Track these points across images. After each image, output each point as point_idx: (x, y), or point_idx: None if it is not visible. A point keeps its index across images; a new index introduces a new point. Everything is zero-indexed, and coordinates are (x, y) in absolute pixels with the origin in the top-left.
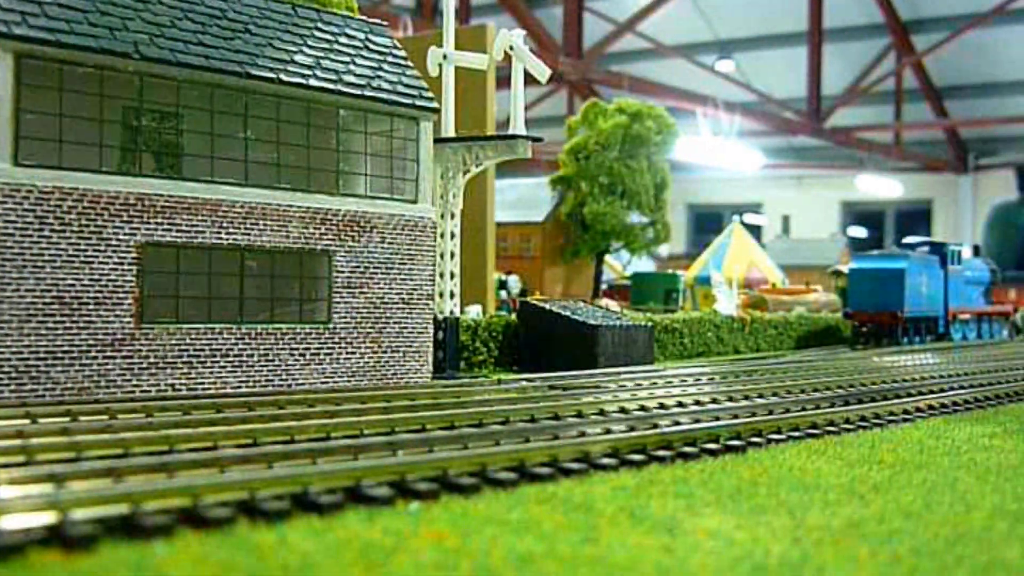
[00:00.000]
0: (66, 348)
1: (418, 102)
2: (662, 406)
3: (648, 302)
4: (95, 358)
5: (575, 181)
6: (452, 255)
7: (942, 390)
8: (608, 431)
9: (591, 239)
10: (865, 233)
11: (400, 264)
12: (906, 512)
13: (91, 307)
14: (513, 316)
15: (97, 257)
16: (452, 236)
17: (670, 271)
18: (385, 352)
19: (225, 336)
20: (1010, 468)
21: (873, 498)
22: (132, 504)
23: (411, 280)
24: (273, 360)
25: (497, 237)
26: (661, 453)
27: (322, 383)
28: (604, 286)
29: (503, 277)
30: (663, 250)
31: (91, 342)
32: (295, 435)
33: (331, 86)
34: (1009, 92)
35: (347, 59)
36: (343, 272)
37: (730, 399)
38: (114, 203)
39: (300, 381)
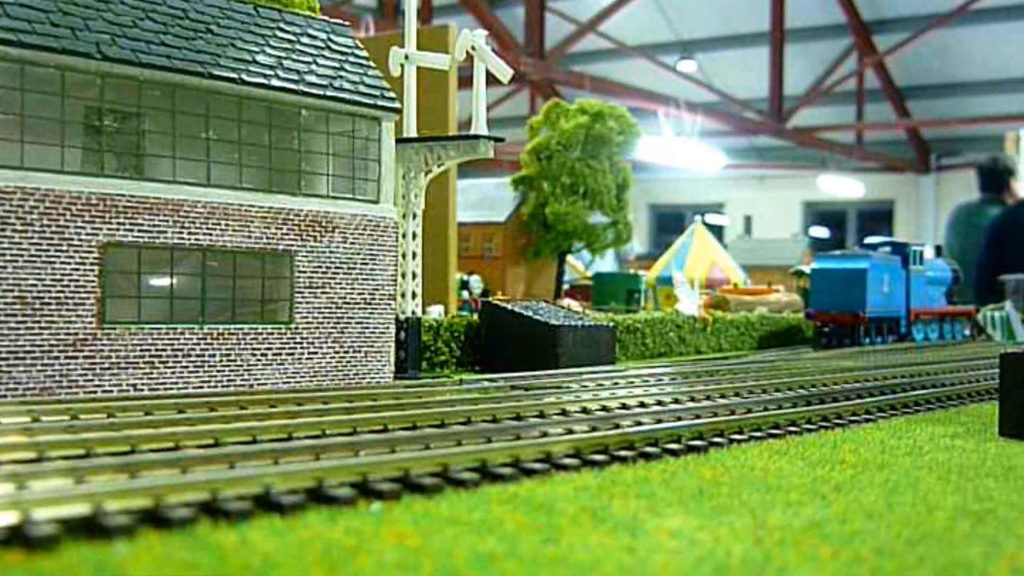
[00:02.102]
0: (28, 348)
1: (380, 102)
2: (624, 406)
3: (610, 302)
4: (57, 358)
5: (537, 181)
6: (414, 255)
7: (904, 390)
8: (570, 431)
9: (553, 239)
10: (827, 233)
11: (362, 264)
12: (868, 512)
13: (53, 307)
14: (475, 316)
15: (59, 257)
16: (414, 236)
17: (632, 271)
18: (347, 352)
19: (187, 336)
20: (971, 468)
21: (835, 498)
22: (94, 504)
23: (373, 280)
24: (235, 360)
25: (459, 237)
26: (623, 453)
27: (284, 383)
28: (566, 286)
29: (465, 277)
30: (634, 248)
31: (53, 342)
32: (257, 435)
33: (293, 86)
34: (971, 92)
35: (309, 59)
36: (305, 272)
37: (692, 399)
38: (76, 203)
39: (262, 381)
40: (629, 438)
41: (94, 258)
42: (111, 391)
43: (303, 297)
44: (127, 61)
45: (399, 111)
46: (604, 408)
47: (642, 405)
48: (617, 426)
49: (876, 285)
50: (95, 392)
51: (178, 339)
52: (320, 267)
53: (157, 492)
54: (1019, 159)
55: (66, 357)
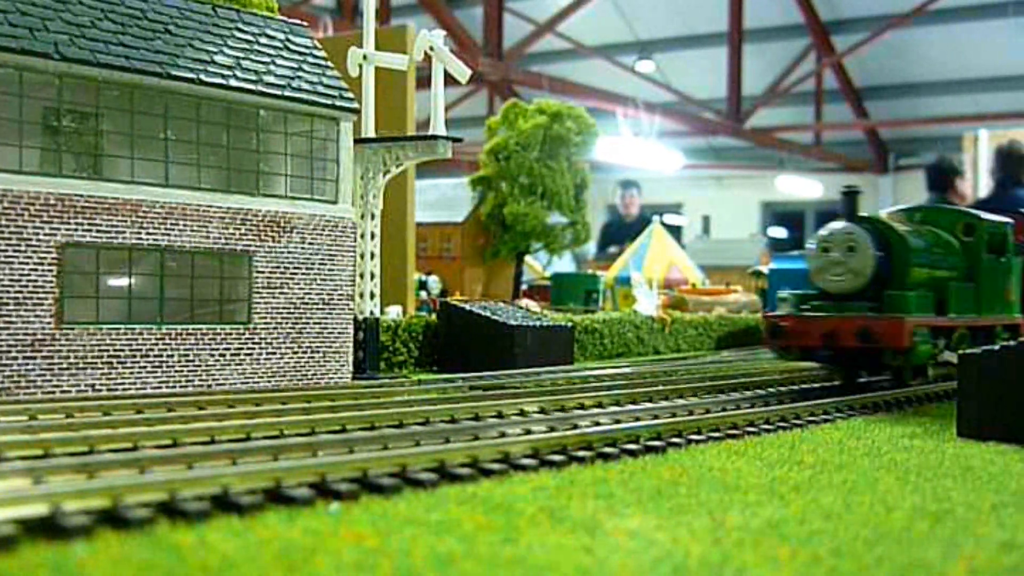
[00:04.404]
0: None
1: (338, 102)
2: (582, 406)
3: (568, 302)
4: (15, 359)
5: (495, 182)
6: (372, 255)
7: (862, 390)
8: (528, 432)
9: (511, 239)
10: (785, 233)
11: (320, 264)
12: (826, 513)
13: (11, 307)
14: (433, 316)
15: (17, 257)
16: (372, 236)
17: (590, 272)
18: (305, 352)
19: (145, 336)
20: (930, 468)
21: (793, 499)
22: (53, 505)
23: (331, 280)
24: (193, 360)
25: (417, 237)
26: (581, 453)
27: (242, 383)
28: (524, 286)
29: (423, 277)
30: (592, 249)
31: (11, 343)
32: (215, 435)
33: (251, 87)
34: (928, 92)
35: (267, 59)
36: (263, 272)
37: (650, 400)
38: (34, 203)
39: (220, 381)
40: (587, 438)
41: (52, 258)
42: (69, 391)
43: (261, 297)
44: (85, 61)
45: (357, 111)
46: (562, 408)
47: (600, 405)
48: (575, 426)
49: None
50: (53, 392)
51: (136, 339)
52: (278, 267)
53: (115, 492)
54: (980, 159)
55: (24, 357)
